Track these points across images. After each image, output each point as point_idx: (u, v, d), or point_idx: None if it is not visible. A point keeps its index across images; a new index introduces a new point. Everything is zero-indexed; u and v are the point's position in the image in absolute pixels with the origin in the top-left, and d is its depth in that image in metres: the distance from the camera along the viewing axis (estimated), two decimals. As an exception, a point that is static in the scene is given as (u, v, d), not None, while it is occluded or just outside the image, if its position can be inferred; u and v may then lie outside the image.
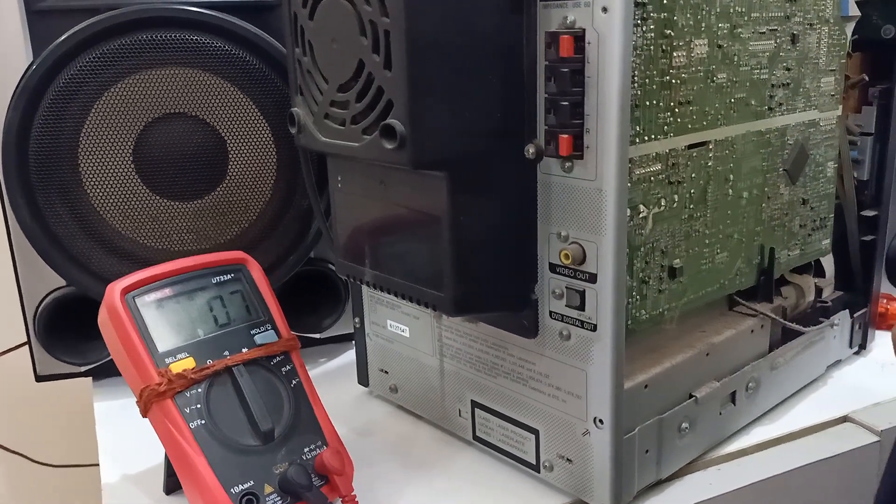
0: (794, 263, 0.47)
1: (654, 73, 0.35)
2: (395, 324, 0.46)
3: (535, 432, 0.39)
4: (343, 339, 0.57)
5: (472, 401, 0.42)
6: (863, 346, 0.53)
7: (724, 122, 0.39)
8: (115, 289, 0.36)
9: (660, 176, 0.36)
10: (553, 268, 0.36)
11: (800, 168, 0.45)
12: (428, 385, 0.45)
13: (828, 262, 0.51)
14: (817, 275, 0.50)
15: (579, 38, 0.32)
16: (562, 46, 0.32)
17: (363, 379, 0.50)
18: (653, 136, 0.36)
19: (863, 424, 0.45)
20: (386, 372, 0.48)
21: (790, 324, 0.45)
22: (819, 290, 0.50)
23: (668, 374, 0.39)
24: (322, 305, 0.55)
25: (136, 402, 0.36)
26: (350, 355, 0.56)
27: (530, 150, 0.35)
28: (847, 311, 0.51)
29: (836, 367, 0.51)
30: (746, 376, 0.43)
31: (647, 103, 0.35)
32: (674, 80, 0.36)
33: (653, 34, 0.34)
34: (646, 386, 0.38)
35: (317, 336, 0.55)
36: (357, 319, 0.49)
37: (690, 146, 0.38)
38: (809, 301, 0.49)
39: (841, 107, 0.47)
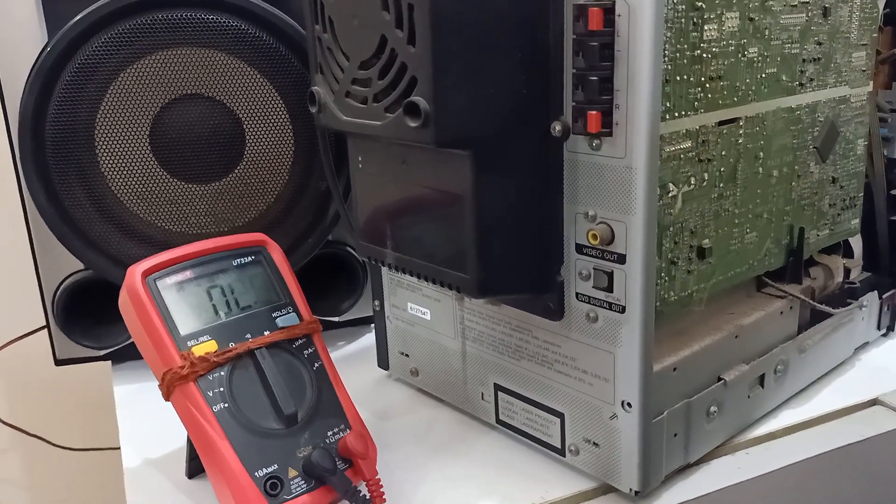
0: (823, 244, 0.46)
1: (685, 46, 0.34)
2: (416, 306, 0.45)
3: (561, 416, 0.39)
4: (361, 323, 0.56)
5: (495, 384, 0.42)
6: (891, 329, 0.52)
7: (755, 98, 0.38)
8: (135, 271, 0.36)
9: (689, 153, 0.36)
10: (580, 248, 0.35)
11: (830, 146, 0.44)
12: (450, 368, 0.44)
13: (856, 243, 0.50)
14: (845, 255, 0.49)
15: (609, 11, 0.31)
16: (591, 19, 0.31)
17: (383, 362, 0.49)
18: (683, 113, 0.35)
19: (893, 408, 0.44)
20: (406, 355, 0.47)
21: (820, 305, 0.44)
22: (847, 271, 0.49)
23: (696, 356, 0.38)
24: (340, 288, 0.55)
25: (159, 385, 0.35)
26: (369, 339, 0.55)
27: (556, 127, 0.34)
28: (875, 292, 0.50)
29: (864, 350, 0.50)
30: (775, 359, 0.42)
31: (678, 78, 0.34)
32: (704, 55, 0.35)
33: (684, 6, 0.33)
34: (674, 369, 0.37)
35: (335, 319, 0.55)
36: (377, 302, 0.48)
37: (721, 123, 0.37)
38: (838, 282, 0.48)
39: (871, 83, 0.46)
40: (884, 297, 0.50)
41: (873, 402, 0.45)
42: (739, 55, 0.37)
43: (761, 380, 0.42)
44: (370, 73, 0.33)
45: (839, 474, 0.41)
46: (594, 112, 0.32)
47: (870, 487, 0.43)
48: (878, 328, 0.51)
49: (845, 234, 0.48)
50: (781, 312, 0.43)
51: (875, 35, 0.45)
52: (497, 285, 0.35)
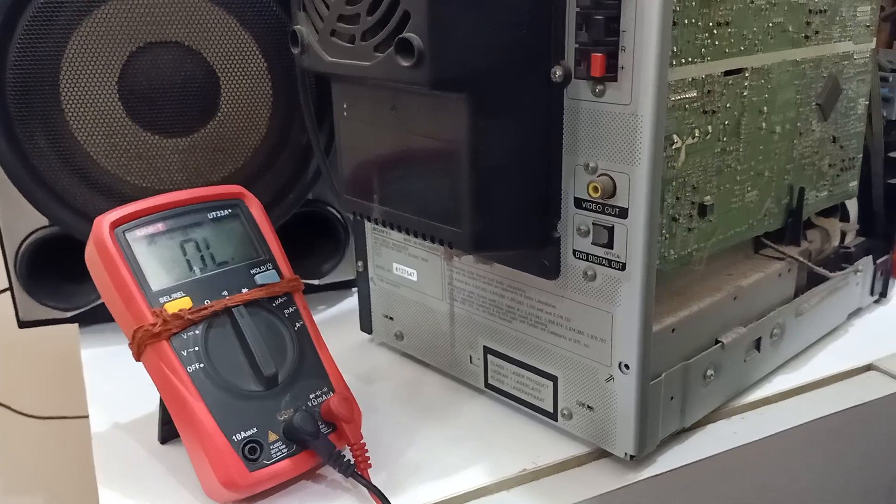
0: (821, 205, 0.45)
1: (694, -12, 0.32)
2: (402, 267, 0.43)
3: (554, 379, 0.37)
4: (343, 286, 0.54)
5: (484, 347, 0.40)
6: (883, 294, 0.51)
7: (762, 49, 0.37)
8: (103, 222, 0.33)
9: (695, 104, 0.34)
10: (579, 203, 0.33)
11: (832, 103, 0.43)
12: (437, 331, 0.43)
13: (852, 206, 0.49)
14: (841, 219, 0.48)
15: (617, -56, 0.29)
16: (598, -47, 0.29)
17: (366, 326, 0.48)
18: (689, 60, 0.33)
19: (888, 373, 0.43)
20: (391, 318, 0.45)
21: (817, 268, 0.43)
22: (842, 235, 0.48)
23: (695, 317, 0.37)
24: (321, 249, 0.53)
25: (129, 344, 0.33)
26: (351, 302, 0.53)
27: (557, 72, 0.32)
28: (870, 257, 0.49)
29: (857, 316, 0.50)
30: (772, 322, 0.41)
31: (686, 21, 0.32)
32: (713, -2, 0.33)
33: (694, -56, 0.31)
34: (673, 330, 0.35)
35: (315, 282, 0.52)
36: (360, 263, 0.46)
37: (727, 73, 0.35)
38: (834, 246, 0.47)
39: (875, 39, 0.45)
40: (878, 262, 0.49)
41: (868, 368, 0.44)
42: (748, 1, 0.35)
43: (757, 343, 0.41)
44: (358, 9, 0.31)
45: (836, 438, 0.40)
46: (599, 54, 0.30)
47: (866, 452, 0.42)
48: (872, 294, 0.50)
49: (843, 196, 0.47)
50: (779, 275, 0.42)
51: (880, -11, 0.44)
52: (492, 241, 0.34)
